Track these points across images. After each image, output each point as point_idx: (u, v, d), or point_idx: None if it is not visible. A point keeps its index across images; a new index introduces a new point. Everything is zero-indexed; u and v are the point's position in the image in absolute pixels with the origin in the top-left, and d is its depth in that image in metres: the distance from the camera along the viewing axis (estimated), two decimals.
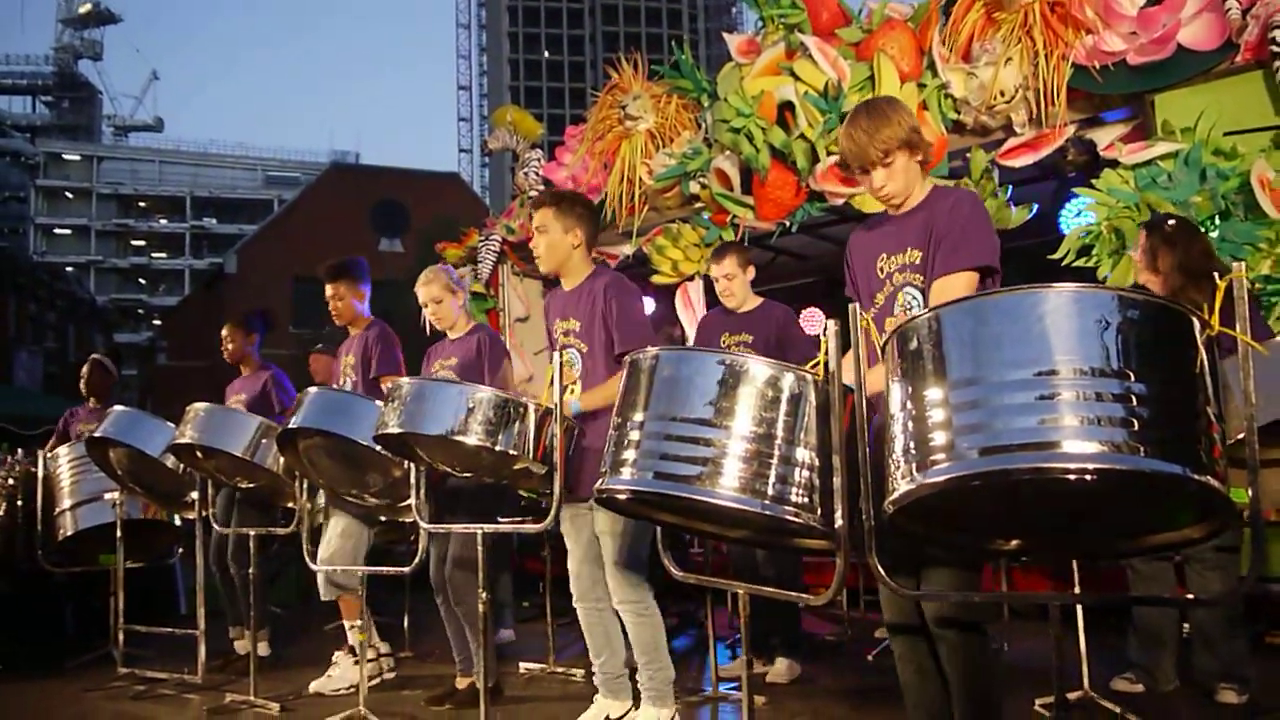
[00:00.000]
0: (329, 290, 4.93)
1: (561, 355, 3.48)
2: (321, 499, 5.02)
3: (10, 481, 5.75)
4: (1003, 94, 5.06)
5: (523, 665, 5.09)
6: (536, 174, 7.36)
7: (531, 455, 3.23)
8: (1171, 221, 3.79)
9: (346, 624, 4.82)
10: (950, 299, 2.34)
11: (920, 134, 2.69)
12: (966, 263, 2.56)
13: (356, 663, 4.56)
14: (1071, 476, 1.70)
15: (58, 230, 58.44)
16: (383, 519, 4.69)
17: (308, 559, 4.28)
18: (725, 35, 6.58)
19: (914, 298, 2.66)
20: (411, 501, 3.59)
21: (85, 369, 6.56)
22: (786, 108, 5.78)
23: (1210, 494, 1.73)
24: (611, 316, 3.56)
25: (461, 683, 4.41)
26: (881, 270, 2.76)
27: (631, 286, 3.70)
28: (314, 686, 4.74)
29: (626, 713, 3.67)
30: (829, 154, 5.60)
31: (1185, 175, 4.56)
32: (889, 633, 2.77)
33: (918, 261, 2.66)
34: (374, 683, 4.77)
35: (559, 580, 5.65)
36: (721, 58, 6.53)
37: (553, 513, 3.24)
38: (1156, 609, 3.96)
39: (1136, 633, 4.00)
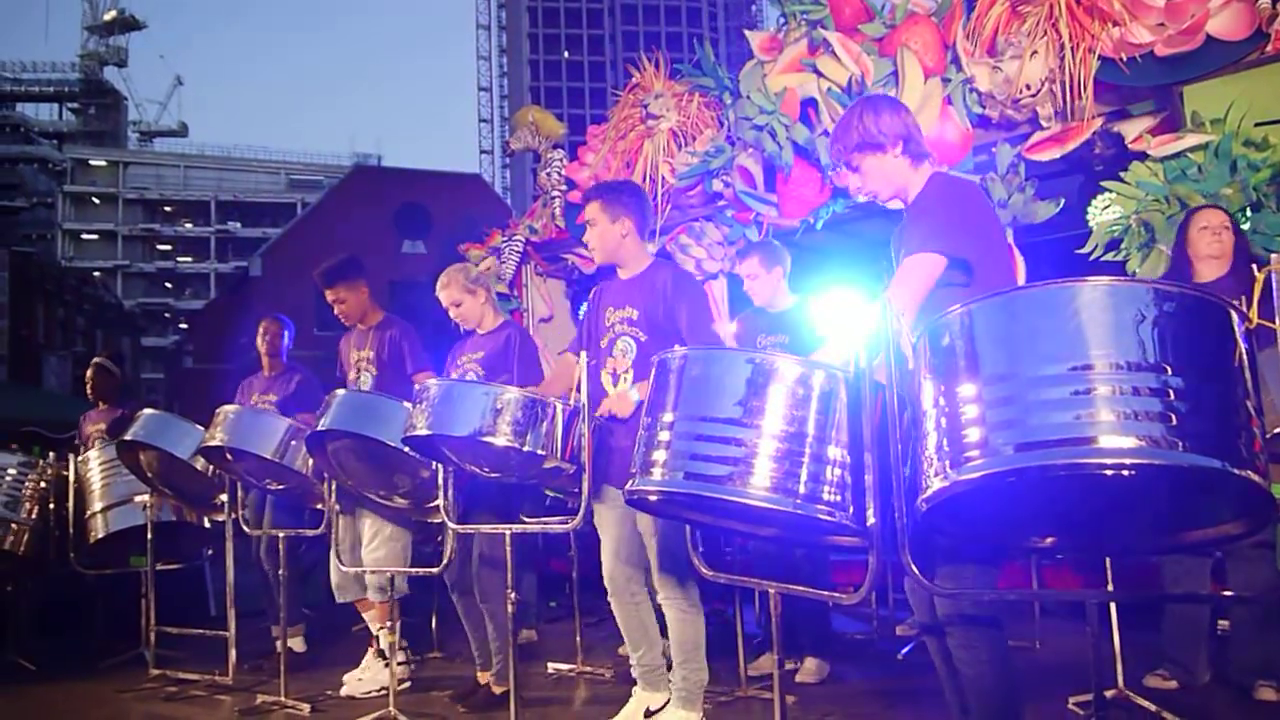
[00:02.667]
0: (329, 296, 4.92)
1: (614, 344, 3.49)
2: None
3: (42, 484, 5.80)
4: (1028, 87, 5.01)
5: (551, 665, 5.09)
6: (559, 174, 7.36)
7: (560, 455, 3.23)
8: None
9: (374, 627, 4.85)
10: (905, 282, 2.47)
11: (888, 134, 2.68)
12: (923, 246, 2.56)
13: (386, 665, 4.63)
14: (1109, 472, 1.69)
15: (85, 235, 59.05)
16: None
17: (335, 560, 4.30)
18: (747, 32, 6.55)
19: None
20: (440, 502, 3.59)
21: (90, 373, 6.67)
22: (810, 104, 5.75)
23: (1250, 489, 1.70)
24: (682, 312, 3.54)
25: (483, 677, 4.40)
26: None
27: (698, 282, 3.71)
28: (345, 690, 4.76)
29: (666, 703, 3.67)
30: None
31: (1215, 167, 4.50)
32: (922, 630, 2.77)
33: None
34: (403, 686, 4.78)
35: (586, 580, 5.66)
36: (742, 55, 6.50)
37: (580, 512, 3.24)
38: (1188, 604, 3.92)
39: (1169, 627, 3.96)
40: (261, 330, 5.89)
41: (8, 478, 5.70)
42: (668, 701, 3.66)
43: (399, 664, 4.74)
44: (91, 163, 60.17)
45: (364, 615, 4.94)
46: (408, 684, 4.82)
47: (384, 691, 4.47)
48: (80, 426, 6.67)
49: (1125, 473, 1.68)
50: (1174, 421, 1.67)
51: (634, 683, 3.78)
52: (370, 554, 4.58)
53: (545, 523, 4.71)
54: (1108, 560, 3.65)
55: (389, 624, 4.26)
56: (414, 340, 4.83)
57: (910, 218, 2.71)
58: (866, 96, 2.97)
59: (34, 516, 5.69)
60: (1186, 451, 1.66)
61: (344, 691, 4.74)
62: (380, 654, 4.80)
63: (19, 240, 44.30)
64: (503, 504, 4.06)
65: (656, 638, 3.73)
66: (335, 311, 4.97)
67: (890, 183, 2.77)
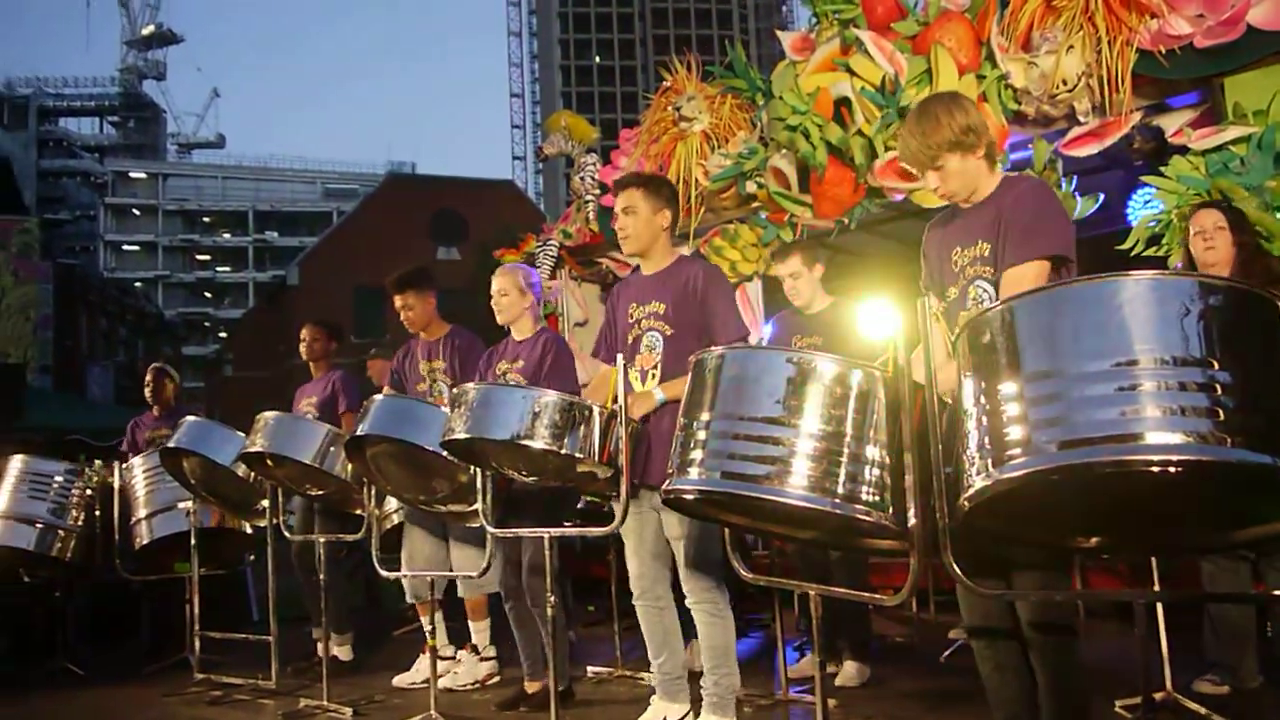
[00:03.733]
0: (398, 301, 5.00)
1: (641, 341, 3.50)
2: (391, 503, 5.09)
3: (88, 492, 5.89)
4: (1065, 82, 4.96)
5: (590, 669, 5.10)
6: (592, 178, 7.38)
7: (597, 458, 3.23)
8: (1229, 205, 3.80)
9: (474, 625, 5.01)
10: (1020, 290, 2.35)
11: (976, 132, 2.66)
12: (1035, 252, 2.54)
13: (481, 660, 4.97)
14: (1155, 469, 1.66)
15: (126, 247, 60.07)
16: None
17: (376, 566, 4.33)
18: (779, 33, 6.53)
19: (985, 290, 2.64)
20: (479, 506, 3.61)
21: (149, 377, 6.72)
22: (843, 104, 5.72)
23: None
24: (715, 307, 3.52)
25: (530, 687, 4.41)
26: (955, 264, 2.74)
27: (727, 278, 3.69)
28: (443, 682, 4.79)
29: (684, 716, 3.65)
30: (887, 149, 5.53)
31: (1258, 159, 4.43)
32: (969, 634, 2.74)
33: (987, 254, 2.65)
34: (493, 681, 4.99)
35: (625, 584, 5.66)
36: (773, 57, 6.50)
37: (619, 516, 3.24)
38: (1235, 605, 3.85)
39: (1215, 631, 3.88)
40: (301, 336, 6.01)
41: (55, 485, 5.80)
42: (685, 714, 3.65)
43: (490, 660, 4.99)
44: (132, 175, 61.26)
45: (469, 612, 5.02)
46: (497, 679, 4.97)
47: (477, 684, 4.91)
48: (131, 432, 6.74)
49: (1172, 470, 1.65)
50: (1221, 417, 1.64)
51: None
52: (458, 558, 4.74)
53: (584, 527, 4.72)
54: (1154, 560, 3.59)
55: (431, 628, 4.29)
56: (478, 352, 4.83)
57: (1014, 223, 2.59)
58: (940, 94, 2.89)
59: (80, 523, 5.78)
60: (1235, 448, 1.63)
61: (442, 684, 4.77)
62: (474, 649, 4.99)
63: (63, 252, 45.06)
64: (549, 509, 4.07)
65: (679, 646, 3.71)
66: (401, 317, 5.05)
67: (969, 183, 2.72)
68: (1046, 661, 2.53)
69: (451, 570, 4.78)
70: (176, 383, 6.84)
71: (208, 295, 61.13)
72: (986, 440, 1.84)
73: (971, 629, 2.70)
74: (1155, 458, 1.64)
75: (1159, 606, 3.64)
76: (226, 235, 61.81)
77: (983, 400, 1.87)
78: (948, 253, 2.77)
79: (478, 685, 4.92)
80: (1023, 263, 2.53)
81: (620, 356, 3.22)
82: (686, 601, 3.56)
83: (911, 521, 2.10)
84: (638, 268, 3.82)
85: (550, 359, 4.29)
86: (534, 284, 4.55)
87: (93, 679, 5.74)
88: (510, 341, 4.53)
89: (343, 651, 5.65)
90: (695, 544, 3.46)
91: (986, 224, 2.67)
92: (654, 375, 3.58)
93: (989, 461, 1.82)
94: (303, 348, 5.98)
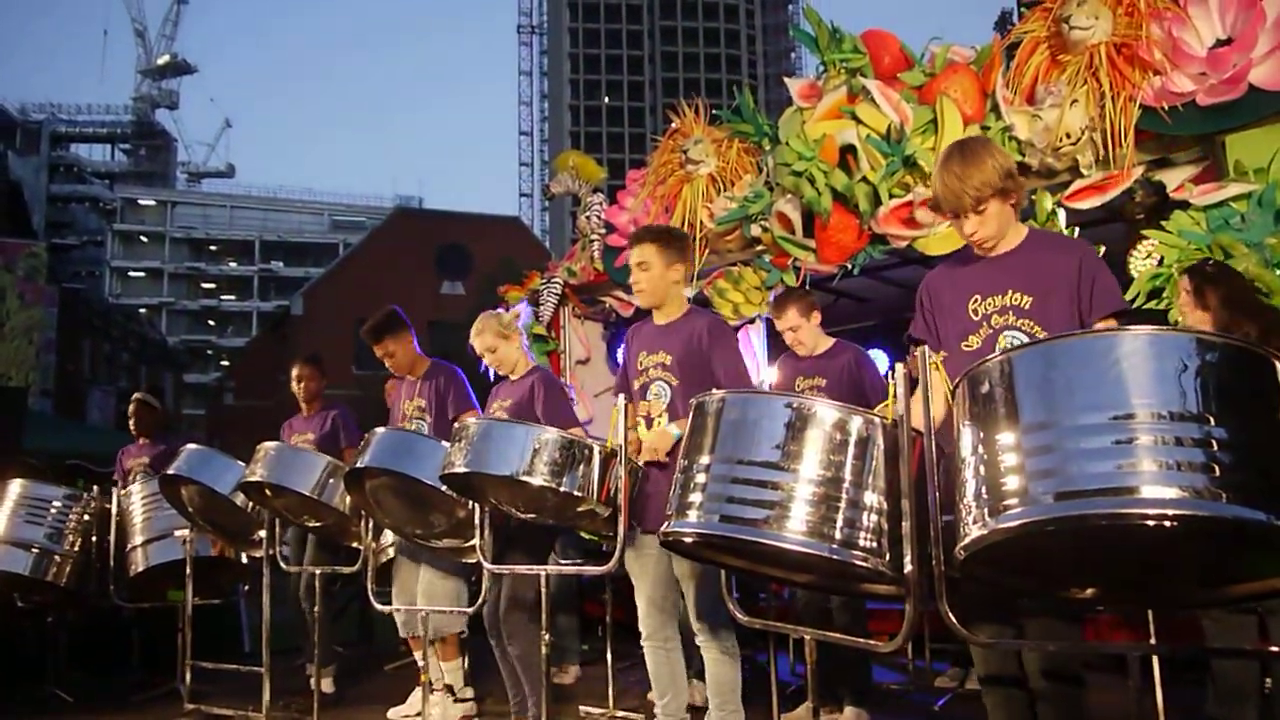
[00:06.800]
0: (378, 351, 4.98)
1: (648, 389, 3.50)
2: (388, 537, 5.07)
3: (85, 517, 5.87)
4: (1068, 136, 5.01)
5: (583, 709, 5.06)
6: (598, 217, 7.43)
7: (596, 497, 3.23)
8: (1211, 261, 3.87)
9: (444, 665, 4.86)
10: None
11: (1015, 178, 2.64)
12: (1116, 306, 2.58)
13: (456, 701, 4.79)
14: (1150, 523, 1.67)
15: (132, 273, 60.36)
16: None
17: (372, 599, 4.32)
18: (786, 79, 6.59)
19: (1019, 341, 2.58)
20: (475, 542, 3.60)
21: (131, 408, 6.74)
22: (848, 151, 5.77)
23: None
24: (718, 359, 3.57)
25: None
26: (975, 312, 2.69)
27: (732, 330, 3.73)
28: None
29: None
30: (891, 197, 5.58)
31: (1259, 216, 4.46)
32: (981, 683, 2.72)
33: (1027, 306, 2.61)
34: None
35: (620, 623, 5.64)
36: (780, 102, 6.56)
37: (616, 555, 3.24)
38: (1235, 661, 3.82)
39: (1216, 686, 3.86)
40: (294, 375, 5.97)
41: (53, 510, 5.78)
42: None
43: (466, 701, 4.85)
44: (141, 202, 61.70)
45: (439, 652, 4.89)
46: None
47: None
48: (119, 461, 6.76)
49: (1167, 524, 1.66)
50: (1217, 472, 1.65)
51: None
52: (424, 593, 4.62)
53: (580, 565, 4.70)
54: (1150, 613, 3.57)
55: (424, 663, 4.25)
56: (458, 385, 4.85)
57: (1094, 282, 2.59)
58: (977, 136, 2.79)
59: (76, 549, 5.76)
60: (1230, 503, 1.64)
61: None
62: (448, 690, 4.86)
63: (69, 277, 45.26)
64: (539, 545, 4.06)
65: (683, 687, 3.70)
66: (387, 364, 5.03)
67: (1000, 230, 2.67)
68: (1055, 712, 2.50)
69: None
70: (159, 411, 6.83)
71: (211, 323, 61.30)
72: (983, 489, 1.85)
73: (985, 678, 2.67)
74: (1150, 511, 1.65)
75: (1155, 659, 3.62)
76: (232, 264, 62.11)
77: (980, 450, 1.88)
78: (964, 299, 2.72)
79: None
80: (1113, 314, 2.55)
81: (621, 396, 3.24)
82: (696, 640, 3.57)
83: (908, 568, 2.10)
84: (650, 315, 3.86)
85: (540, 397, 4.29)
86: (507, 324, 4.55)
87: (82, 706, 5.70)
88: (505, 382, 4.55)
89: (325, 683, 5.60)
90: (704, 583, 3.46)
91: (1022, 275, 2.63)
92: (659, 421, 3.62)
93: (985, 511, 1.84)
94: (299, 387, 5.96)
